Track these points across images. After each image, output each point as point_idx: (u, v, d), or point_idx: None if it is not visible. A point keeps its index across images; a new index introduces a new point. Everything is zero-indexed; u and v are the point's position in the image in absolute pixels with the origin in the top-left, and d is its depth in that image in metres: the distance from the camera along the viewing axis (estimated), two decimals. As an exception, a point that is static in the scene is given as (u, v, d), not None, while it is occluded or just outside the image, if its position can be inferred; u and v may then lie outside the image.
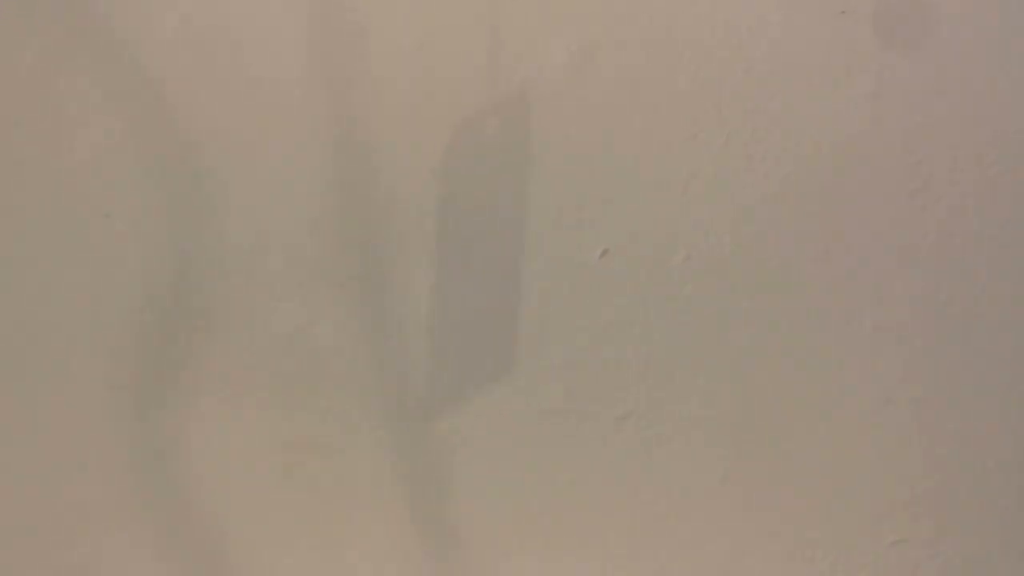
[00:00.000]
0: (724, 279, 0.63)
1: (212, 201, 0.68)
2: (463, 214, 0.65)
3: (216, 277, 0.68)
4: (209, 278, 0.68)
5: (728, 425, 0.64)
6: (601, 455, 0.66)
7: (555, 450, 0.66)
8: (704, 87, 0.62)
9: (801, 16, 0.61)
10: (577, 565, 0.67)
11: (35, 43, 0.68)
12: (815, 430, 0.64)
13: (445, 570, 0.69)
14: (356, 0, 0.64)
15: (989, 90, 0.60)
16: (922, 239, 0.62)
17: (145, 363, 0.70)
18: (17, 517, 0.73)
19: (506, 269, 0.65)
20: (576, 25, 0.63)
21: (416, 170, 0.65)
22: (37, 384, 0.71)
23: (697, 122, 0.63)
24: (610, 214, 0.64)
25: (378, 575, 0.69)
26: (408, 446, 0.68)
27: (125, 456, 0.71)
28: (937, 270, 0.62)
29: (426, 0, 0.64)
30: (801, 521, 0.64)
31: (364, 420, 0.68)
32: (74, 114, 0.68)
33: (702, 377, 0.64)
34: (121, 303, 0.69)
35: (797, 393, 0.63)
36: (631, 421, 0.65)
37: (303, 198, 0.67)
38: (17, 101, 0.69)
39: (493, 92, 0.64)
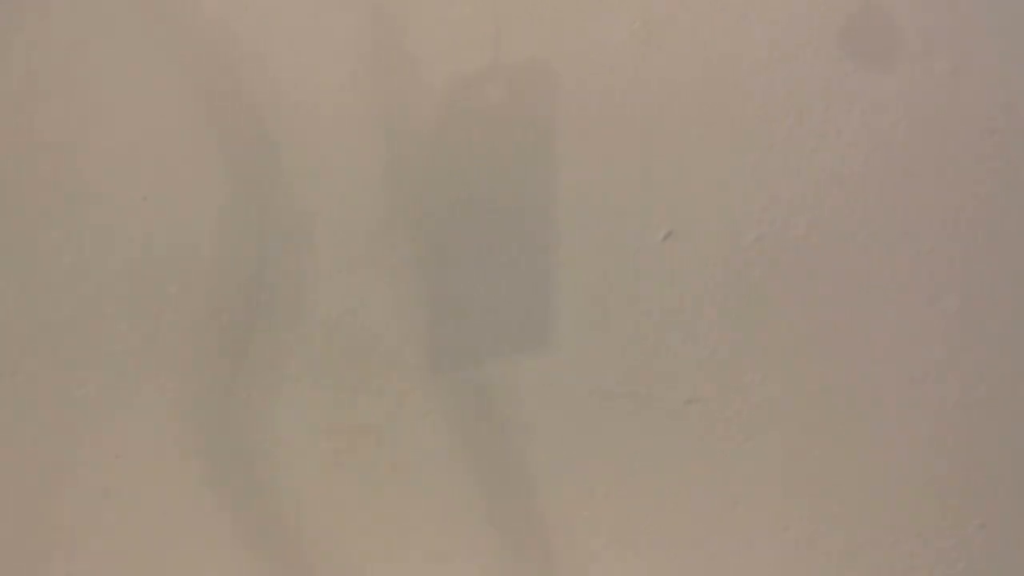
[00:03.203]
0: (797, 261, 0.62)
1: (257, 184, 0.67)
2: (521, 194, 0.64)
3: (263, 261, 0.68)
4: (255, 262, 0.68)
5: (801, 410, 0.63)
6: (666, 440, 0.65)
7: (618, 434, 0.65)
8: (774, 63, 0.61)
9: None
10: (639, 551, 0.66)
11: (74, 24, 0.68)
12: (894, 414, 0.63)
13: (499, 555, 0.68)
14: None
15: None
16: (1006, 219, 0.61)
17: (188, 349, 0.69)
18: (39, 506, 0.72)
19: (566, 250, 0.64)
20: (639, 1, 0.62)
21: (471, 147, 0.65)
22: (70, 370, 0.70)
23: (767, 100, 0.62)
24: (674, 194, 0.63)
25: (433, 562, 0.68)
26: (464, 432, 0.67)
27: (167, 441, 0.70)
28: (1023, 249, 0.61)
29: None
30: (880, 506, 0.63)
31: (417, 404, 0.67)
32: (113, 96, 0.68)
33: (772, 362, 0.63)
34: (162, 288, 0.69)
35: (874, 378, 0.63)
36: (697, 406, 0.64)
37: (352, 180, 0.66)
38: (54, 84, 0.69)
39: (554, 70, 0.63)
